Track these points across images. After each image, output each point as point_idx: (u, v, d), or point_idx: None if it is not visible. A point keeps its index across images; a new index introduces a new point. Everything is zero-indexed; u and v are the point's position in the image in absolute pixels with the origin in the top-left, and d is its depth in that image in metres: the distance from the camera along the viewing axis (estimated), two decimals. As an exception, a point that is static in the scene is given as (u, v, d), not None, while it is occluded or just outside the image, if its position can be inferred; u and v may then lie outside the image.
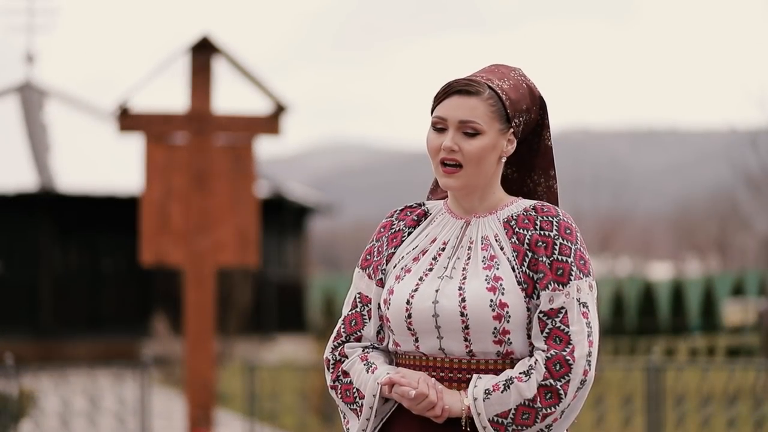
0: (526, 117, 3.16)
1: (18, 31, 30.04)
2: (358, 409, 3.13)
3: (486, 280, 3.04)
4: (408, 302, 3.09)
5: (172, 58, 10.51)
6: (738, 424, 9.21)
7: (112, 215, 26.38)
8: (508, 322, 3.03)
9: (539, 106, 3.21)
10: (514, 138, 3.15)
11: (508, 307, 3.02)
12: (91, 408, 11.14)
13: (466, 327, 3.03)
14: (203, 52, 10.30)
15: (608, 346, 26.36)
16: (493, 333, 3.03)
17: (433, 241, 3.18)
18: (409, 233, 3.22)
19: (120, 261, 26.48)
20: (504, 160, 3.15)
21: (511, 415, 2.99)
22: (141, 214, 10.32)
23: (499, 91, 3.11)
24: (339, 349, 3.20)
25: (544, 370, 2.99)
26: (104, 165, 26.89)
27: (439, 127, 3.12)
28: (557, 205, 3.24)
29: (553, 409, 2.99)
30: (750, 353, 21.30)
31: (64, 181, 25.80)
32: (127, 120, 10.28)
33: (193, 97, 10.29)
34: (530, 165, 3.26)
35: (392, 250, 3.20)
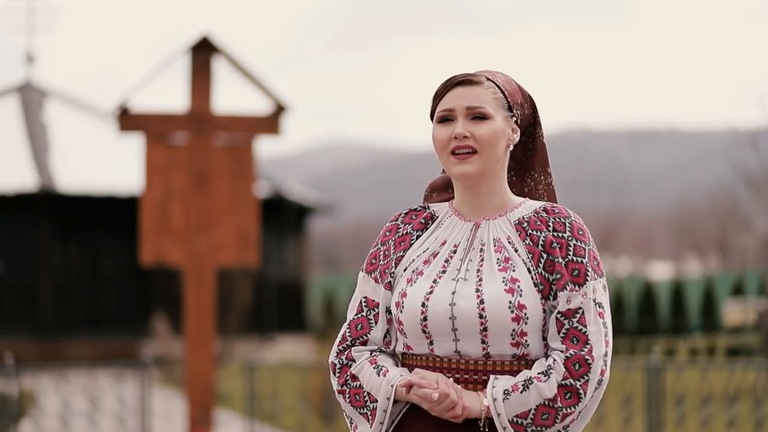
0: (521, 111, 3.19)
1: (18, 31, 30.07)
2: (368, 413, 3.11)
3: (503, 281, 3.04)
4: (423, 305, 3.07)
5: (172, 58, 10.50)
6: (738, 424, 9.20)
7: (112, 215, 26.37)
8: (526, 323, 3.02)
9: (530, 104, 3.24)
10: (518, 128, 3.17)
11: (526, 308, 3.02)
12: (91, 408, 11.14)
13: (485, 329, 3.03)
14: (203, 52, 10.30)
15: (608, 346, 26.33)
16: (511, 335, 3.02)
17: (443, 243, 3.17)
18: (418, 236, 3.21)
19: (120, 261, 26.48)
20: (511, 148, 3.17)
21: (531, 416, 2.99)
22: (141, 214, 10.31)
23: (496, 82, 3.15)
24: (345, 353, 3.18)
25: (564, 369, 2.99)
26: (104, 165, 26.89)
27: (446, 118, 3.13)
28: (556, 201, 3.26)
29: (573, 409, 3.00)
30: (750, 353, 21.29)
31: (64, 181, 25.80)
32: (127, 120, 10.27)
33: (193, 97, 10.29)
34: (528, 165, 3.27)
35: (401, 254, 3.19)
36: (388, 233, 3.24)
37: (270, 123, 10.48)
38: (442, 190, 3.31)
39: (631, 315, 32.57)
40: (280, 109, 10.45)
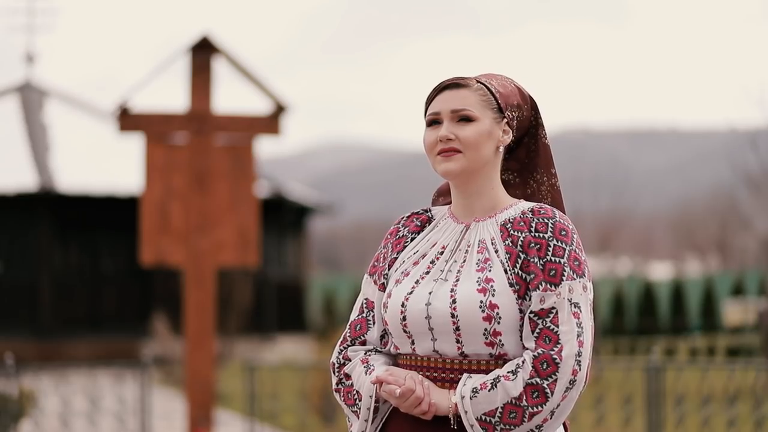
0: (518, 113, 3.20)
1: (18, 31, 30.06)
2: (358, 411, 3.16)
3: (477, 281, 3.06)
4: (403, 305, 3.12)
5: (172, 58, 10.50)
6: (738, 424, 9.21)
7: (112, 215, 26.37)
8: (498, 323, 3.03)
9: (530, 105, 3.25)
10: (509, 129, 3.18)
11: (498, 308, 3.03)
12: (91, 408, 11.15)
13: (457, 328, 3.05)
14: (203, 52, 10.30)
15: (608, 346, 26.37)
16: (484, 334, 3.04)
17: (434, 245, 3.20)
18: (412, 238, 3.26)
19: (120, 261, 26.47)
20: (502, 150, 3.18)
21: (498, 414, 3.00)
22: (141, 214, 10.32)
23: (487, 84, 3.17)
24: (343, 353, 3.24)
25: (531, 368, 2.99)
26: (104, 165, 26.89)
27: (433, 122, 3.16)
28: (562, 202, 3.28)
29: (540, 408, 2.99)
30: (750, 353, 21.30)
31: (64, 181, 25.79)
32: (127, 120, 10.27)
33: (193, 97, 10.29)
34: (531, 166, 3.29)
35: (395, 255, 3.25)
36: (389, 236, 3.30)
37: (270, 123, 10.48)
38: (448, 194, 3.33)
39: (631, 315, 32.59)
40: (280, 109, 10.45)
